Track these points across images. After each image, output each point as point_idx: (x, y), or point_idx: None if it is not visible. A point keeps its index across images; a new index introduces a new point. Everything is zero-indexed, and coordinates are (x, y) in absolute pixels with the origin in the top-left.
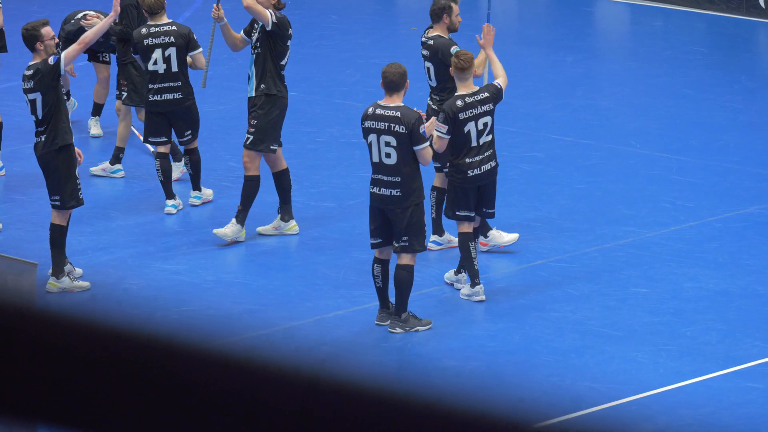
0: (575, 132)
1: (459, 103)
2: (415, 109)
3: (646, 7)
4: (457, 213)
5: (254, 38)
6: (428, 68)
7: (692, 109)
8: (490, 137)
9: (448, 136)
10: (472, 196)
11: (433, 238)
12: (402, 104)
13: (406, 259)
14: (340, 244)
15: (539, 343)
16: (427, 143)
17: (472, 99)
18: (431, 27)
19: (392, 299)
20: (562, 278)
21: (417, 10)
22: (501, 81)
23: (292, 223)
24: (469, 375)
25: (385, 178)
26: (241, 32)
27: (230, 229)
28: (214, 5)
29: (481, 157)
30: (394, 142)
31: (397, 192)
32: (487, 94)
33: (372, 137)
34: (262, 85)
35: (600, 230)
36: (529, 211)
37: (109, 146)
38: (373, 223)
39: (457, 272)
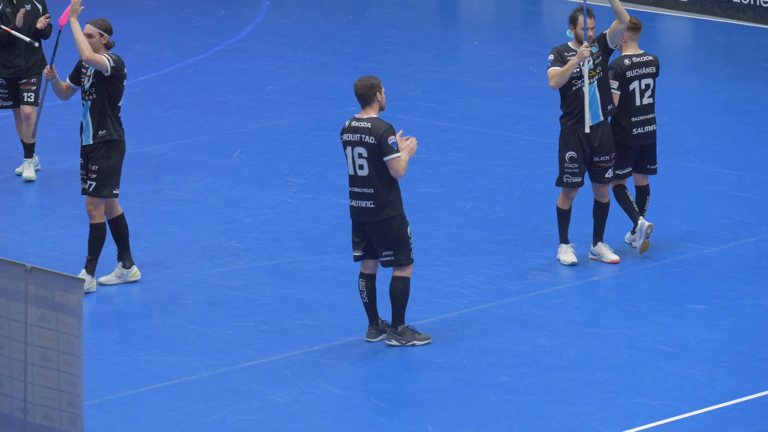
0: None
1: (627, 62)
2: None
3: (709, 22)
4: (617, 172)
5: (87, 84)
6: None
7: (752, 124)
8: (651, 100)
9: (620, 92)
10: (632, 155)
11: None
12: (375, 116)
13: (398, 271)
14: None
15: (594, 359)
16: (397, 154)
17: (639, 59)
18: None
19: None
20: (618, 294)
21: (478, 25)
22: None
23: (134, 269)
24: (524, 391)
25: (359, 190)
26: (67, 79)
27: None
28: (48, 66)
29: (645, 117)
30: (365, 153)
31: (370, 204)
32: (650, 58)
33: (348, 149)
34: (102, 131)
35: (657, 246)
36: (587, 227)
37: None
38: (355, 236)
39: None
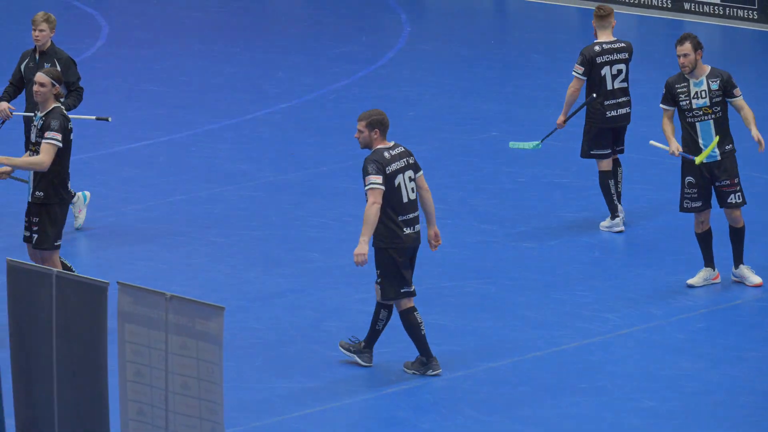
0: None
1: (597, 48)
2: None
3: None
4: (597, 152)
5: (33, 136)
6: None
7: None
8: (625, 84)
9: (585, 78)
10: (607, 136)
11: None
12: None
13: (410, 301)
14: (540, 285)
15: (738, 383)
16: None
17: (609, 46)
18: None
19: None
20: (762, 318)
21: None
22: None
23: None
24: (667, 415)
25: (414, 214)
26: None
27: None
28: None
29: (617, 100)
30: (413, 175)
31: (419, 226)
32: (623, 45)
33: (399, 178)
34: (39, 193)
35: None
36: (726, 250)
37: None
38: (408, 269)
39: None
